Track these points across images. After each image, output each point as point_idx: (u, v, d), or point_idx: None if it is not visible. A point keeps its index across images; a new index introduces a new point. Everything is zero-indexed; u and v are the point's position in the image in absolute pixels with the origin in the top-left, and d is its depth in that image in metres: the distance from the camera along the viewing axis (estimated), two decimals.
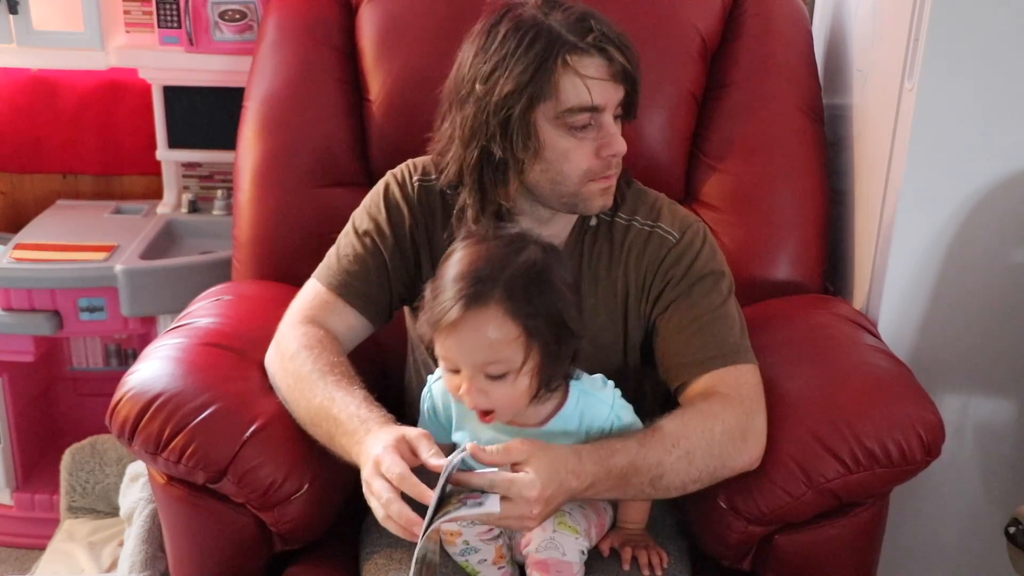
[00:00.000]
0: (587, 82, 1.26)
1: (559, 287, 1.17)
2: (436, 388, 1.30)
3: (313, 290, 1.43)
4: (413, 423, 1.59)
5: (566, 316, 1.17)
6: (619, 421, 1.26)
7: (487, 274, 1.14)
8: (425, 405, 1.32)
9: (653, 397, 1.43)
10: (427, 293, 1.18)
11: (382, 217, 1.43)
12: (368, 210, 1.45)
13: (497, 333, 1.13)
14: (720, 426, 1.26)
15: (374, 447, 1.15)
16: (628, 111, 1.32)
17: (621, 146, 1.30)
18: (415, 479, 1.10)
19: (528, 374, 1.17)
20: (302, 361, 1.31)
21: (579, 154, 1.29)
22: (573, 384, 1.25)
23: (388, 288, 1.43)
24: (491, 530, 1.27)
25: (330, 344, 1.35)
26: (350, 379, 1.29)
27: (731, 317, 1.36)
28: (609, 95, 1.27)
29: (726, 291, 1.38)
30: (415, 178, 1.45)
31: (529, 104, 1.26)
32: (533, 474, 1.12)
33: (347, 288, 1.41)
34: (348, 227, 1.46)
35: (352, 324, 1.42)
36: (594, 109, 1.27)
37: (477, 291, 1.13)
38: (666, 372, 1.37)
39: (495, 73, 1.27)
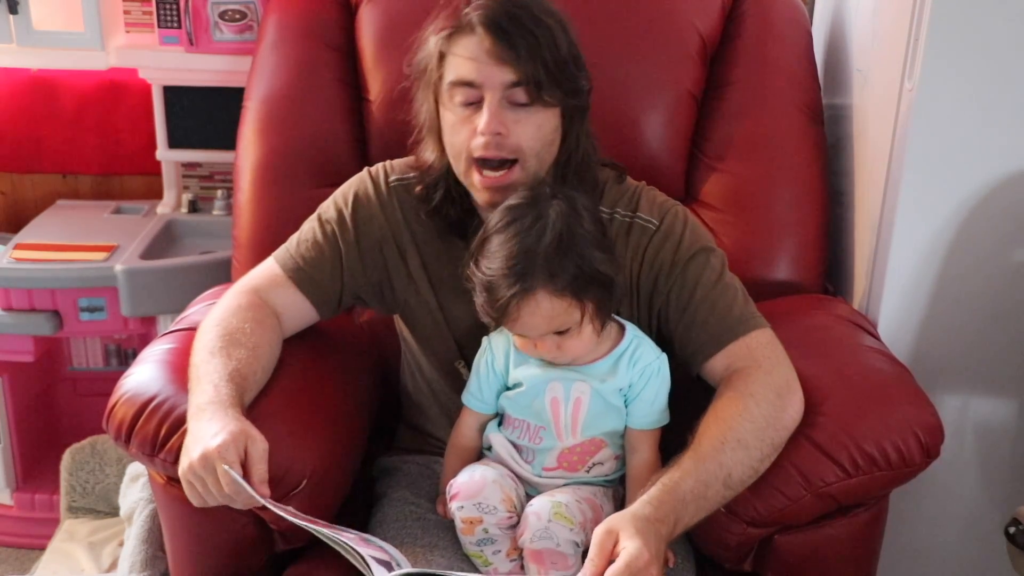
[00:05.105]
0: (457, 59, 1.31)
1: (584, 248, 1.25)
2: (495, 341, 1.39)
3: (268, 267, 1.47)
4: (410, 423, 1.60)
5: (600, 267, 1.26)
6: (661, 370, 1.35)
7: (523, 268, 1.23)
8: (483, 359, 1.39)
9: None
10: (474, 280, 1.27)
11: (348, 211, 1.46)
12: (336, 201, 1.48)
13: (551, 310, 1.25)
14: (752, 400, 1.28)
15: (229, 425, 1.18)
16: (535, 97, 1.30)
17: (491, 126, 1.29)
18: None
19: (589, 322, 1.28)
20: (212, 319, 1.37)
21: (462, 129, 1.33)
22: (628, 325, 1.37)
23: (340, 280, 1.45)
24: (511, 517, 1.29)
25: (249, 314, 1.38)
26: (236, 346, 1.32)
27: (731, 289, 1.38)
28: (487, 74, 1.29)
29: (719, 265, 1.39)
30: (392, 177, 1.47)
31: (439, 76, 1.34)
32: (631, 543, 1.13)
33: (298, 272, 1.44)
34: (315, 213, 1.49)
35: (298, 306, 1.45)
36: (470, 84, 1.30)
37: (522, 288, 1.23)
38: (683, 360, 1.39)
39: (425, 45, 1.35)
